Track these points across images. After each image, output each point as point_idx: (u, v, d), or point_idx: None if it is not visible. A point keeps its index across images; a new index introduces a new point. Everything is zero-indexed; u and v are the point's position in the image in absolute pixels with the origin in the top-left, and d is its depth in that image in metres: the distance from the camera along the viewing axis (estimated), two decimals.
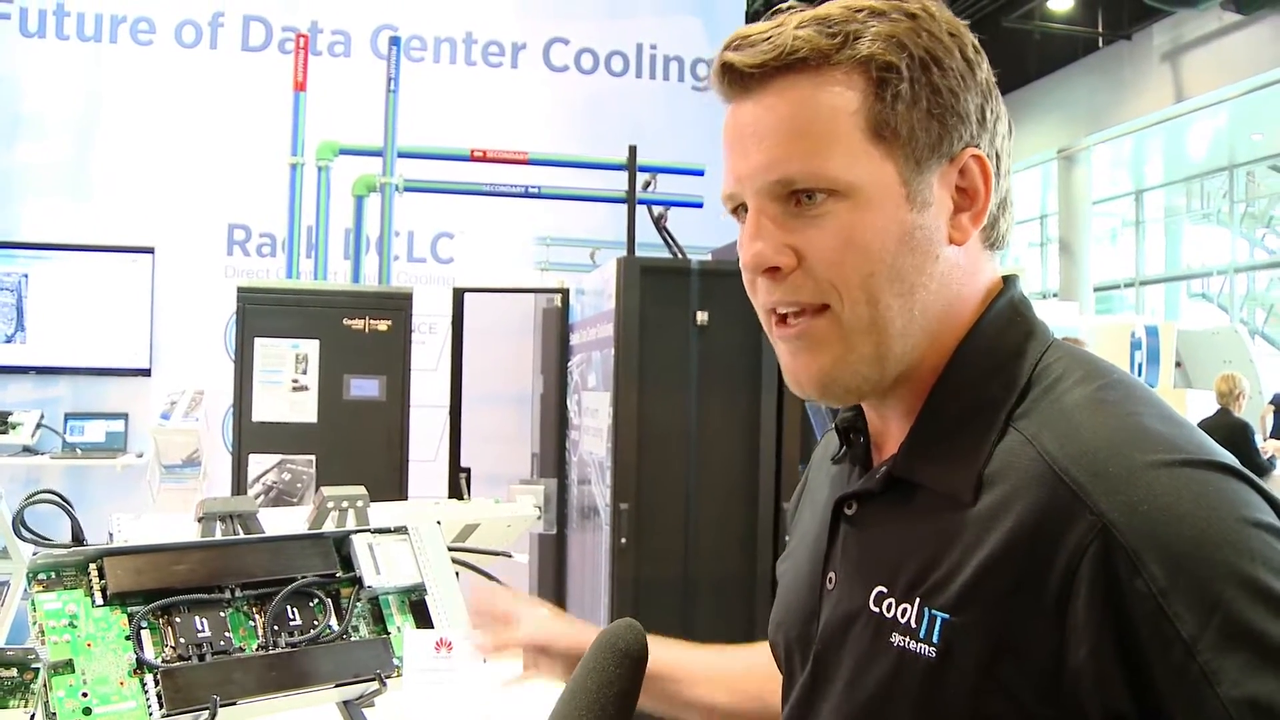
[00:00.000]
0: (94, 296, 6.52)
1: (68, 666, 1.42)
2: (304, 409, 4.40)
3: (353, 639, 1.66)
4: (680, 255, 4.82)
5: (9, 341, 6.54)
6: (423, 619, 1.74)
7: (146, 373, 6.59)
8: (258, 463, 4.40)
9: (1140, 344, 9.23)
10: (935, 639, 0.83)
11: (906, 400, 0.94)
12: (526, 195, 5.44)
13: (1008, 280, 0.96)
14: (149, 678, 1.47)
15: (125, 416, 6.64)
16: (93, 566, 1.53)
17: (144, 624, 1.51)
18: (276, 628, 1.60)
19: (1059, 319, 9.06)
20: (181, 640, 1.53)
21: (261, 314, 4.39)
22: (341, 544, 1.73)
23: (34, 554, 1.54)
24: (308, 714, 1.64)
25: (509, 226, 6.23)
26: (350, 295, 4.58)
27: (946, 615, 0.83)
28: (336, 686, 1.59)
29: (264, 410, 4.39)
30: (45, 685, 1.39)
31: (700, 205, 5.30)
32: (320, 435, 4.43)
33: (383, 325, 4.46)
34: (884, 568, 0.89)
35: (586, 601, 5.03)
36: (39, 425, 6.48)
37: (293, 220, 5.06)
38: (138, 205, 6.34)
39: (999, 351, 0.90)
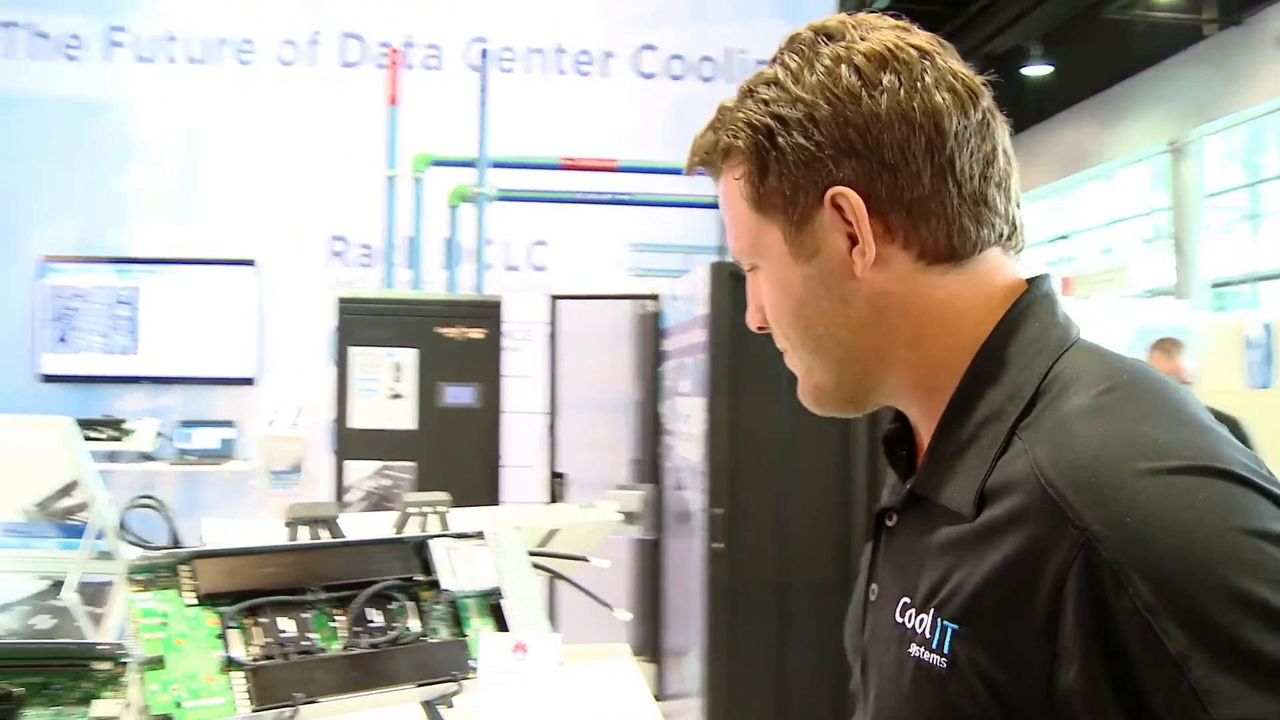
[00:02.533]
0: (202, 309, 6.75)
1: (159, 663, 1.49)
2: (401, 416, 4.49)
3: (432, 641, 1.70)
4: None
5: (124, 353, 6.80)
6: (501, 622, 1.77)
7: (253, 382, 6.80)
8: (358, 469, 4.52)
9: (1258, 343, 8.92)
10: (946, 649, 0.84)
11: (933, 415, 0.96)
12: (616, 202, 5.50)
13: (1031, 284, 0.96)
14: (236, 675, 1.53)
15: (234, 424, 6.84)
16: (185, 568, 1.59)
17: (232, 623, 1.57)
18: (358, 629, 1.65)
19: (1169, 318, 8.81)
20: (267, 640, 1.58)
21: (359, 324, 4.51)
22: (421, 548, 1.78)
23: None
24: (389, 713, 1.70)
25: (602, 233, 6.29)
26: (443, 304, 4.67)
27: (955, 626, 0.84)
28: (415, 686, 1.63)
29: (362, 418, 4.50)
30: (139, 680, 1.45)
31: None
32: (418, 442, 4.53)
33: (476, 333, 4.54)
34: (909, 580, 0.91)
35: (683, 607, 5.05)
36: (159, 434, 6.73)
37: (389, 231, 5.18)
38: (242, 220, 6.55)
39: (1009, 363, 0.91)
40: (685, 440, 4.85)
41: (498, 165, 5.25)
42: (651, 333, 5.40)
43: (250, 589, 1.61)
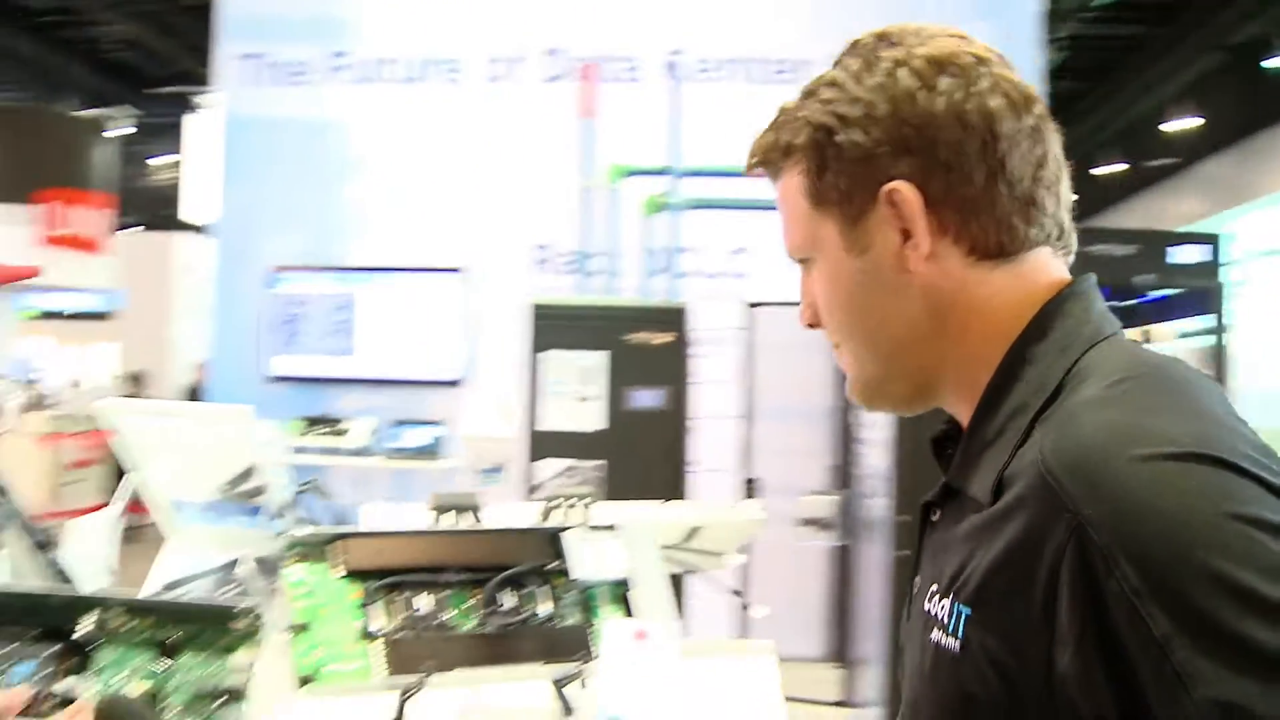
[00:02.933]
0: (414, 314, 7.12)
1: (305, 629, 1.64)
2: (590, 418, 4.64)
3: (560, 624, 1.79)
4: None
5: (343, 355, 7.25)
6: (629, 611, 1.85)
7: (460, 384, 7.12)
8: (547, 468, 4.69)
9: None
10: (960, 633, 0.87)
11: (969, 412, 0.98)
12: None
13: (1072, 284, 0.97)
14: (374, 644, 1.66)
15: (442, 424, 7.18)
16: (335, 546, 1.74)
17: (373, 597, 1.71)
18: (490, 609, 1.76)
19: None
20: (404, 614, 1.71)
21: (551, 329, 4.68)
22: (555, 538, 1.87)
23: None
24: (517, 689, 1.80)
25: None
26: (631, 310, 4.80)
27: (968, 610, 0.86)
28: (541, 665, 1.72)
29: (552, 419, 4.67)
30: (285, 642, 1.60)
31: None
32: (605, 443, 4.66)
33: (663, 338, 4.64)
34: (939, 568, 0.94)
35: (872, 615, 5.04)
36: (373, 432, 7.14)
37: (585, 240, 5.36)
38: (451, 229, 6.88)
39: (1034, 359, 0.92)
40: (876, 447, 4.84)
41: (691, 174, 5.35)
42: None
43: (392, 567, 1.75)
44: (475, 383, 6.99)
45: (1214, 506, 0.74)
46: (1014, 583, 0.82)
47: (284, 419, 6.95)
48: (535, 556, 1.84)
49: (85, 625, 1.42)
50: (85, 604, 1.45)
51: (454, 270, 6.91)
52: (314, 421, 7.06)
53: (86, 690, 1.35)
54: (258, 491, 2.18)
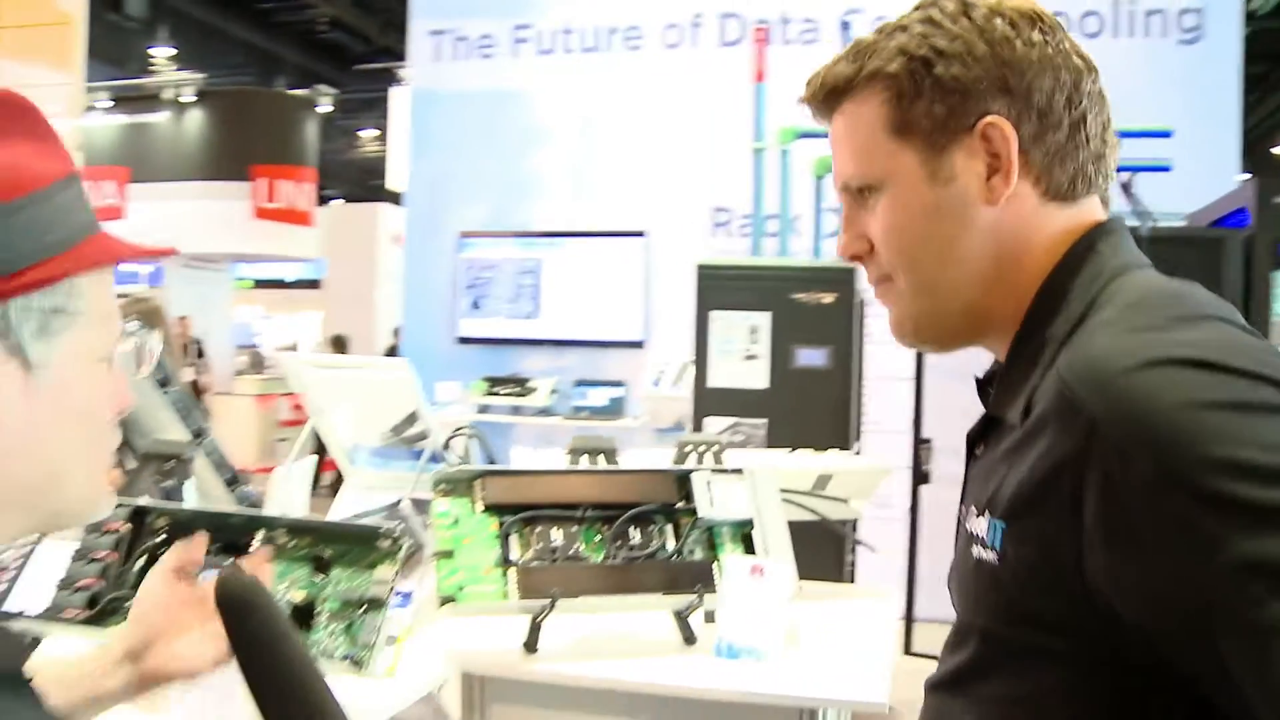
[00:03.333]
0: (596, 277, 7.33)
1: (449, 555, 1.82)
2: (755, 377, 4.73)
3: (683, 559, 1.92)
4: (1150, 221, 4.60)
5: (529, 318, 7.53)
6: (751, 549, 1.96)
7: (642, 345, 7.31)
8: (714, 425, 4.81)
9: None
10: (998, 545, 0.92)
11: (1007, 347, 1.04)
12: None
13: (1105, 222, 1.02)
14: (510, 571, 1.83)
15: (623, 384, 7.38)
16: (477, 482, 1.91)
17: (511, 530, 1.87)
18: (618, 543, 1.90)
19: None
20: (539, 546, 1.87)
21: (719, 289, 4.78)
22: (684, 480, 2.00)
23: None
24: (644, 618, 1.94)
25: None
26: (798, 270, 4.85)
27: (1004, 524, 0.92)
28: (661, 595, 1.86)
29: (720, 377, 4.78)
30: (430, 565, 1.78)
31: (1168, 169, 5.01)
32: (770, 401, 4.74)
33: (828, 298, 4.68)
34: (980, 492, 0.99)
35: None
36: (553, 390, 7.40)
37: (757, 202, 5.43)
38: (632, 194, 7.05)
39: (1068, 291, 0.97)
40: None
41: None
42: None
43: (528, 503, 1.91)
44: (655, 343, 7.16)
45: (1210, 399, 0.79)
46: (1043, 491, 0.87)
47: (471, 379, 7.29)
48: (663, 496, 1.97)
49: (256, 541, 1.63)
50: (257, 523, 1.66)
51: (635, 234, 7.09)
52: (499, 381, 7.36)
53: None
54: (419, 436, 2.39)
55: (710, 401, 4.80)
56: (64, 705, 1.08)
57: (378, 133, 18.49)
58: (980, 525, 0.96)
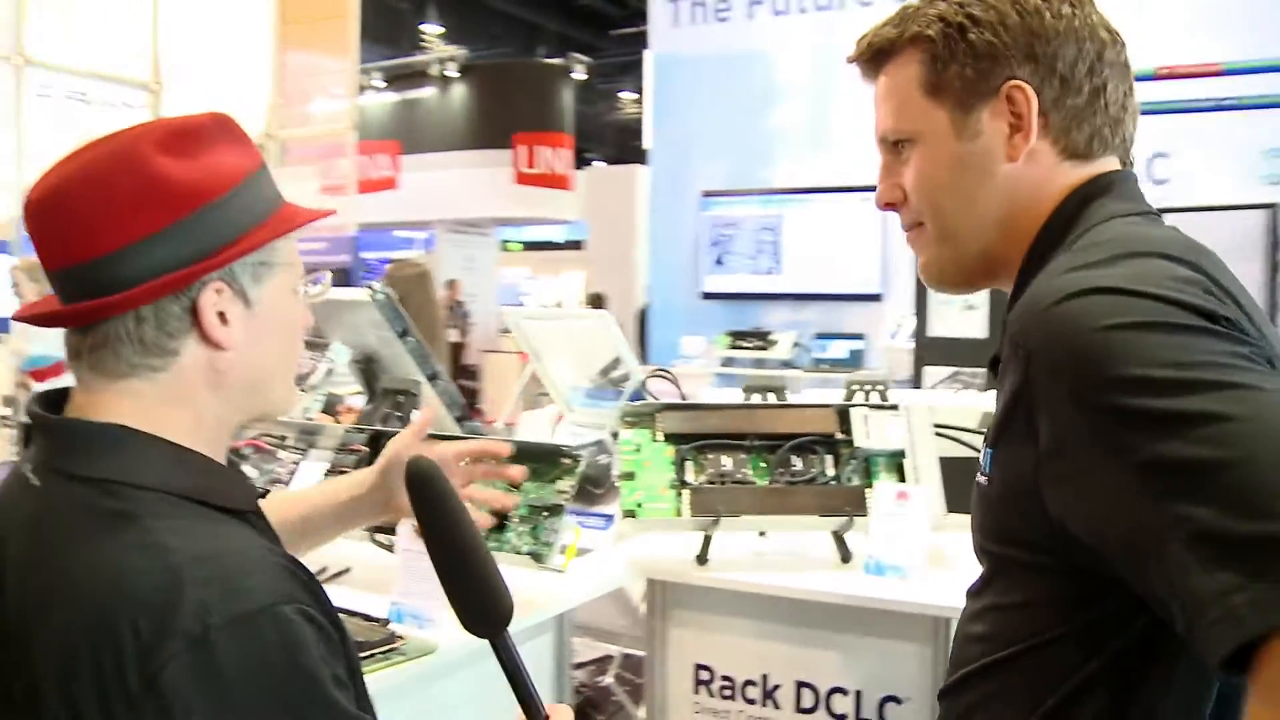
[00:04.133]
0: (835, 232, 7.48)
1: (631, 476, 2.11)
2: (974, 326, 4.81)
3: (840, 485, 2.14)
4: None
5: (769, 273, 7.77)
6: (903, 479, 2.16)
7: (880, 298, 7.42)
8: (934, 374, 4.93)
9: None
10: (989, 470, 1.04)
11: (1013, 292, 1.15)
12: (1224, 108, 5.24)
13: (1100, 176, 1.10)
14: (684, 492, 2.11)
15: (863, 336, 7.52)
16: (658, 415, 2.20)
17: (686, 456, 2.15)
18: (781, 469, 2.14)
19: None
20: (710, 470, 2.14)
21: None
22: (845, 413, 2.21)
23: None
24: (803, 537, 2.17)
25: (1222, 141, 5.96)
26: None
27: (992, 450, 1.03)
28: (817, 516, 2.09)
29: (939, 327, 4.88)
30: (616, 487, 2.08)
31: None
32: (989, 350, 4.80)
33: None
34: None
35: None
36: (795, 344, 7.62)
37: None
38: (869, 149, 7.11)
39: (1056, 238, 1.08)
40: None
41: None
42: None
43: (703, 433, 2.18)
44: (893, 296, 7.25)
45: (1117, 321, 0.87)
46: (1007, 420, 0.98)
47: (715, 333, 7.60)
48: (824, 428, 2.19)
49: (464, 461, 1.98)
50: (459, 440, 2.01)
51: (872, 189, 7.17)
52: (742, 335, 7.65)
53: None
54: (622, 379, 2.70)
55: (931, 351, 4.91)
56: (310, 516, 1.52)
57: (636, 96, 19.05)
58: (984, 454, 1.07)
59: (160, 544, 0.91)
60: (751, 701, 2.13)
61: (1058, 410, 0.90)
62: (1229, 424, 0.79)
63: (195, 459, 1.02)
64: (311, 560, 2.05)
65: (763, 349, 7.57)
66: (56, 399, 1.05)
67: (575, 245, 17.35)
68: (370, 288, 2.48)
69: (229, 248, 1.01)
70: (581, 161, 19.05)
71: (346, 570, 2.04)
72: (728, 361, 7.50)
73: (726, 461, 2.16)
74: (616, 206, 13.57)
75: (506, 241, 18.99)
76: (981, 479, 1.06)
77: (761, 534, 2.23)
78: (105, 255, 0.97)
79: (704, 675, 2.18)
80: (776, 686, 2.11)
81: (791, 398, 2.54)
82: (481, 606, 1.11)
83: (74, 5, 7.51)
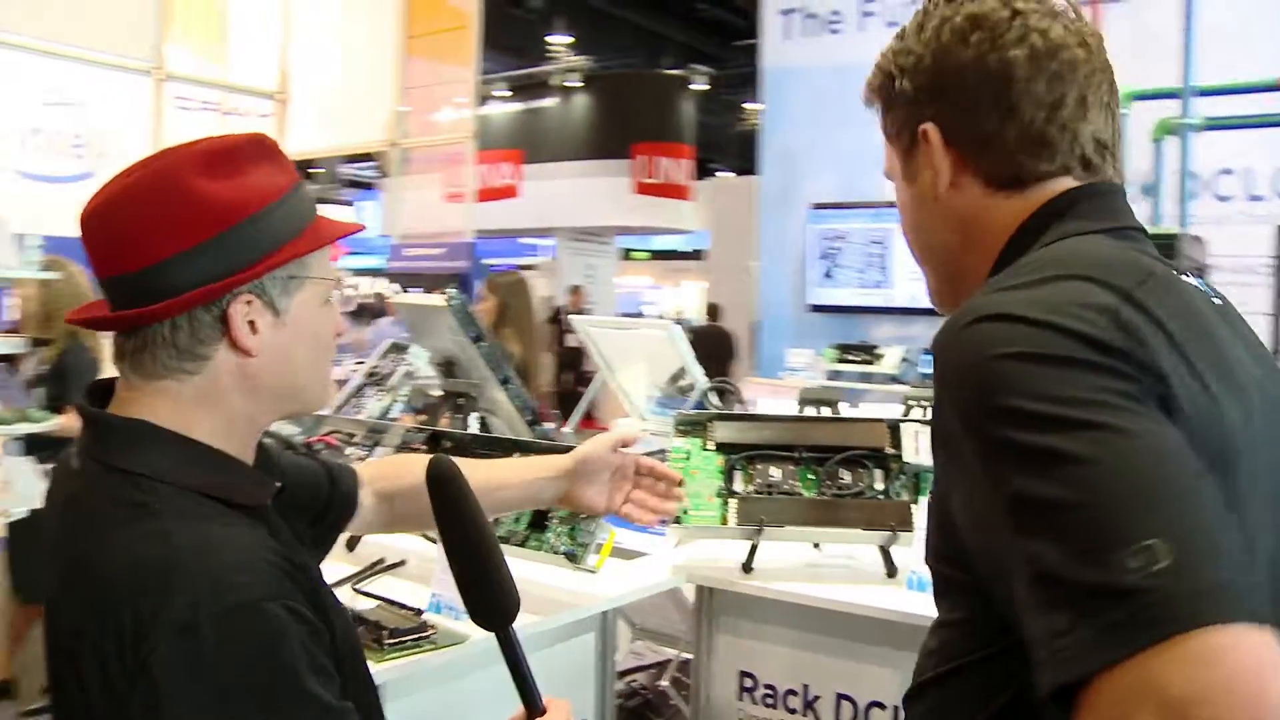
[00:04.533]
0: None
1: (679, 484, 2.15)
2: None
3: (889, 500, 2.15)
4: None
5: (878, 287, 7.71)
6: None
7: None
8: None
9: None
10: (936, 486, 1.05)
11: None
12: None
13: (1061, 196, 1.09)
14: (730, 500, 2.15)
15: None
16: (711, 424, 2.24)
17: (736, 465, 2.19)
18: (829, 482, 2.17)
19: None
20: (758, 481, 2.18)
21: None
22: (895, 428, 2.23)
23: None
24: (847, 549, 2.19)
25: None
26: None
27: (936, 467, 1.05)
28: (862, 530, 2.10)
29: None
30: None
31: None
32: None
33: None
34: None
35: None
36: (903, 359, 7.54)
37: None
38: None
39: (1009, 261, 1.08)
40: None
41: (1204, 93, 5.14)
42: None
43: (753, 444, 2.21)
44: None
45: (991, 350, 0.88)
46: (933, 436, 1.01)
47: (821, 346, 7.56)
48: (874, 442, 2.21)
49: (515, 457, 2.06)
50: (517, 446, 2.09)
51: None
52: (849, 349, 7.58)
53: None
54: (688, 388, 2.74)
55: None
56: (497, 480, 1.62)
57: (761, 107, 19.01)
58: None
59: (166, 536, 1.00)
60: (793, 711, 2.15)
61: (952, 430, 0.91)
62: (1080, 466, 0.79)
63: (216, 457, 1.11)
64: (370, 552, 2.17)
65: (869, 363, 7.47)
66: (104, 392, 1.15)
67: (699, 255, 17.43)
68: (446, 293, 2.57)
69: (260, 262, 1.09)
70: (706, 172, 19.11)
71: (402, 562, 2.13)
72: (834, 375, 7.42)
73: (775, 472, 2.20)
74: (736, 217, 13.59)
75: (631, 250, 19.21)
76: (935, 489, 1.07)
77: (816, 546, 2.25)
78: (147, 267, 1.07)
79: (748, 682, 2.21)
80: (816, 697, 2.13)
81: (853, 411, 2.56)
82: (489, 602, 1.18)
83: (207, 21, 7.88)
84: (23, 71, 6.32)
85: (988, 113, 1.09)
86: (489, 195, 13.90)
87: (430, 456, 1.27)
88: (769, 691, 2.18)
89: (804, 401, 2.39)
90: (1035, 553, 0.80)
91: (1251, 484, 0.92)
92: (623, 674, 2.97)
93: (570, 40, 17.05)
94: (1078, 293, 0.92)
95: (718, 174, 18.61)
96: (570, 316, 3.61)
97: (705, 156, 20.30)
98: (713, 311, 12.13)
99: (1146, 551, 0.74)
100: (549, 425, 2.77)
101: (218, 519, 1.05)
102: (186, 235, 1.07)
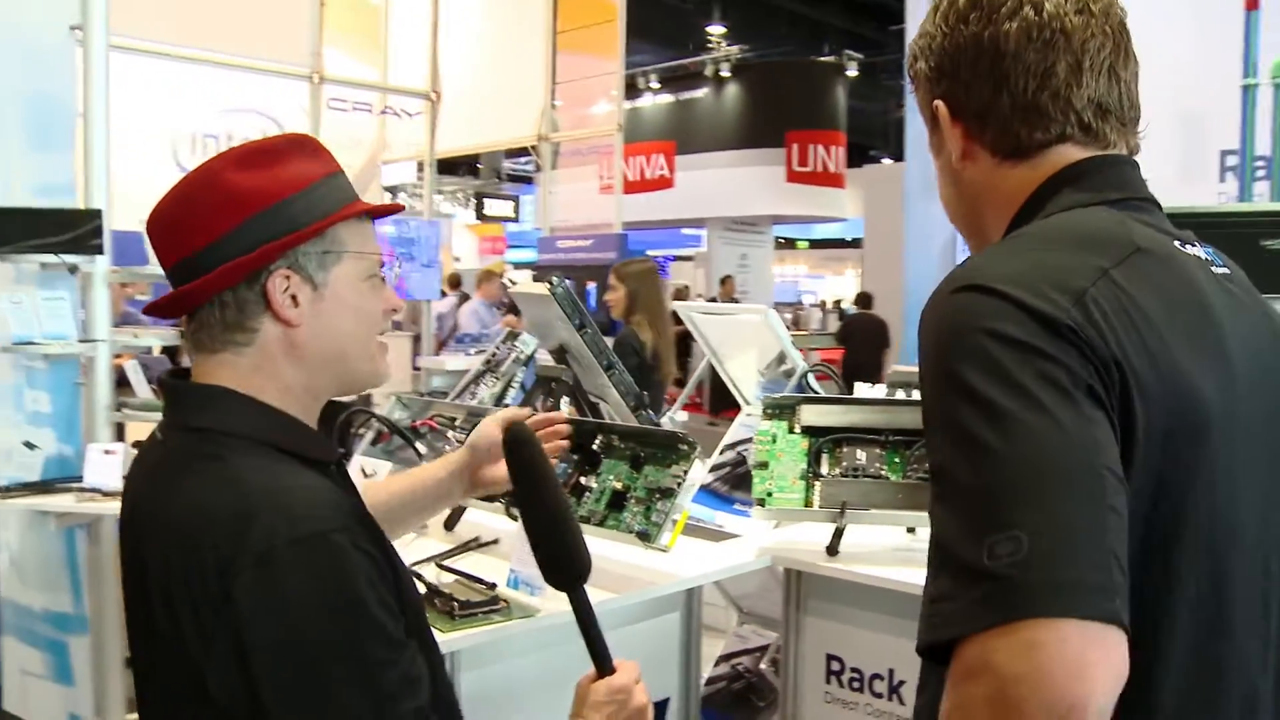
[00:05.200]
0: None
1: (764, 466, 2.18)
2: None
3: None
4: None
5: None
6: None
7: None
8: None
9: None
10: None
11: None
12: None
13: (1070, 167, 1.11)
14: (815, 484, 2.16)
15: None
16: (799, 407, 2.25)
17: (822, 448, 2.19)
18: (914, 466, 2.15)
19: None
20: (844, 464, 2.18)
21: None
22: None
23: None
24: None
25: None
26: (1268, 215, 4.54)
27: None
28: None
29: None
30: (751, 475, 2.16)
31: None
32: None
33: None
34: None
35: None
36: None
37: (1244, 143, 5.10)
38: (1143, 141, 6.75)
39: (1012, 230, 1.12)
40: None
41: None
42: None
43: (840, 427, 2.22)
44: None
45: (967, 323, 0.92)
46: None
47: None
48: None
49: (597, 443, 2.11)
50: (598, 428, 2.14)
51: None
52: None
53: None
54: (789, 373, 2.75)
55: None
56: (401, 494, 1.67)
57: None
58: None
59: (240, 479, 1.10)
60: (878, 695, 2.15)
61: (923, 388, 0.97)
62: (989, 455, 0.86)
63: (281, 416, 1.20)
64: (466, 530, 2.25)
65: None
66: (184, 371, 1.25)
67: (858, 244, 17.25)
68: (550, 282, 2.64)
69: (287, 236, 1.17)
70: (869, 159, 18.82)
71: (495, 540, 2.21)
72: None
73: (861, 456, 2.19)
74: (889, 204, 13.40)
75: (795, 240, 19.08)
76: None
77: (910, 531, 2.24)
78: (193, 254, 1.17)
79: (835, 665, 2.22)
80: (902, 682, 2.12)
81: None
82: (561, 559, 1.23)
83: (363, 25, 8.18)
84: (198, 81, 6.70)
85: (983, 86, 1.14)
86: (644, 187, 14.03)
87: (511, 423, 1.35)
88: (855, 675, 2.19)
89: (893, 384, 2.38)
90: (940, 520, 0.88)
91: (1229, 448, 0.96)
92: (727, 657, 3.00)
93: (724, 30, 17.07)
94: (1054, 269, 0.96)
95: (882, 161, 18.34)
96: (675, 303, 3.66)
97: (865, 143, 20.00)
98: (865, 299, 11.99)
99: (1013, 540, 0.82)
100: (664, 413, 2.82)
101: (287, 466, 1.14)
102: (222, 222, 1.16)
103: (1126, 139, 1.15)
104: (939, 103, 1.17)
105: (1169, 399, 0.92)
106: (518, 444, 1.28)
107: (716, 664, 2.99)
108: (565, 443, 1.83)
